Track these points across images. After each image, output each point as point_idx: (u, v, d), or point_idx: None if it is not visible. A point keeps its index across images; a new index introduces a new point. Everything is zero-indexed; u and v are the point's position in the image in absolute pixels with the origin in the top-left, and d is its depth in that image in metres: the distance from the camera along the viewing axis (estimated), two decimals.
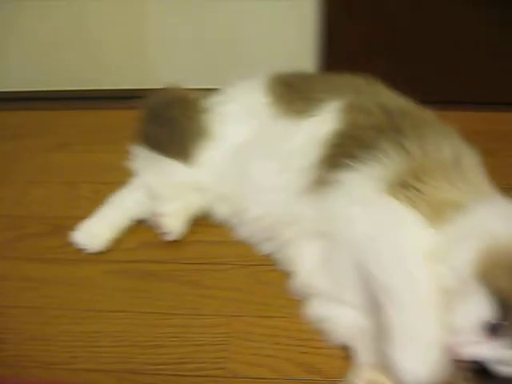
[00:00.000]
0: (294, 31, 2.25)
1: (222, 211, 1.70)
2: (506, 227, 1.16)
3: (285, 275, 1.52)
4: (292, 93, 1.64)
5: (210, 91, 1.80)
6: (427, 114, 1.52)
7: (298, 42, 2.27)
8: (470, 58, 2.21)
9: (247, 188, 1.59)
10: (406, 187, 1.31)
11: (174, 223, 1.67)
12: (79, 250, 1.67)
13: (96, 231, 1.68)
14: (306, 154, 1.49)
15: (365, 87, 1.60)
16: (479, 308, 1.10)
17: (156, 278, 1.61)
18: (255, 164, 1.59)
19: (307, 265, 1.46)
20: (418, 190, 1.29)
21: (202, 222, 1.74)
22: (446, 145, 1.40)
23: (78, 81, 2.39)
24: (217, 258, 1.63)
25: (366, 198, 1.34)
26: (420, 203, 1.27)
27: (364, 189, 1.35)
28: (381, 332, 1.19)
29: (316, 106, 1.56)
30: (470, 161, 1.40)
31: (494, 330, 1.08)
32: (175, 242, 1.69)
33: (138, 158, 1.77)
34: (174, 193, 1.69)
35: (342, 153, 1.43)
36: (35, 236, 1.76)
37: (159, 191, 1.70)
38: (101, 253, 1.67)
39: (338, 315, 1.38)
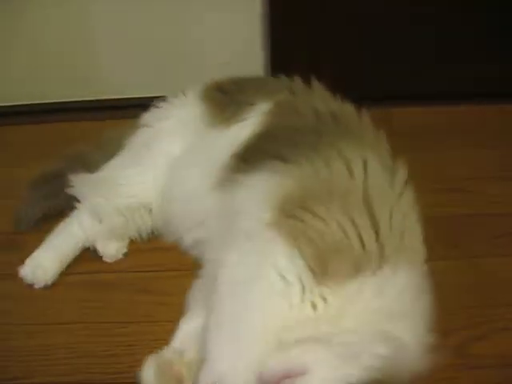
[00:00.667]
0: (242, 34, 2.29)
1: (162, 226, 1.72)
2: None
3: None
4: (225, 99, 1.67)
5: (153, 100, 1.84)
6: (361, 120, 1.50)
7: (246, 45, 2.31)
8: (413, 54, 2.27)
9: (176, 198, 1.62)
10: (292, 217, 1.20)
11: (107, 247, 1.70)
12: None
13: (44, 264, 1.62)
14: (223, 157, 1.50)
15: (298, 89, 1.62)
16: None
17: (107, 287, 1.62)
18: (183, 173, 1.62)
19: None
20: (304, 223, 1.17)
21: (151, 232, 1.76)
22: (360, 166, 1.29)
23: (22, 95, 2.38)
24: (166, 265, 1.65)
25: (250, 229, 1.24)
26: (306, 246, 1.14)
27: (251, 214, 1.27)
28: None
29: (245, 110, 1.58)
30: (385, 194, 1.28)
31: None
32: (127, 251, 1.72)
33: (79, 185, 1.73)
34: (118, 213, 1.70)
35: (252, 153, 1.43)
36: None
37: (104, 211, 1.69)
38: None
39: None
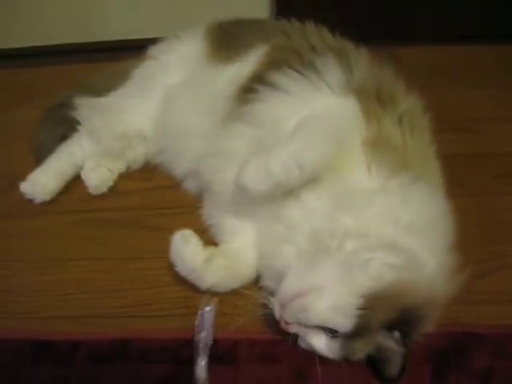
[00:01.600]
0: None
1: (157, 156, 1.76)
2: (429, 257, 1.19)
3: None
4: (225, 39, 1.67)
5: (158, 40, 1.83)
6: (361, 54, 1.50)
7: None
8: None
9: (173, 129, 1.65)
10: (379, 102, 1.33)
11: (94, 178, 1.73)
12: (39, 204, 1.70)
13: (43, 181, 1.70)
14: (224, 93, 1.52)
15: (298, 31, 1.61)
16: (337, 320, 1.13)
17: (114, 225, 1.64)
18: (180, 106, 1.64)
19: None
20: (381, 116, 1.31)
21: (155, 169, 1.78)
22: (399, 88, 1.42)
23: (21, 38, 2.36)
24: (173, 202, 1.66)
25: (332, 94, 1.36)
26: (373, 129, 1.29)
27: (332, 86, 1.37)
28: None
29: (245, 50, 1.59)
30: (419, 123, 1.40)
31: (329, 332, 1.16)
32: (131, 189, 1.74)
33: (83, 108, 1.77)
34: (115, 138, 1.74)
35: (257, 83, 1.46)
36: None
37: (103, 135, 1.74)
38: (59, 204, 1.70)
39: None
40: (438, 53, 2.26)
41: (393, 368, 1.18)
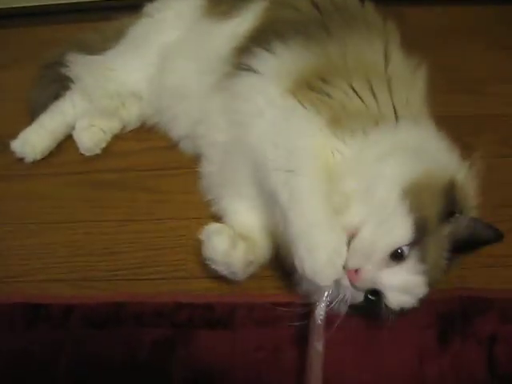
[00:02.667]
0: None
1: (153, 116, 1.72)
2: (437, 153, 1.18)
3: None
4: None
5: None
6: (366, 11, 1.46)
7: None
8: None
9: (169, 89, 1.60)
10: (313, 89, 1.25)
11: (86, 138, 1.69)
12: (31, 166, 1.67)
13: (34, 140, 1.67)
14: (221, 52, 1.48)
15: None
16: (395, 232, 1.08)
17: (110, 186, 1.60)
18: (177, 65, 1.60)
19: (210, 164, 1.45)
20: (326, 94, 1.24)
21: (151, 130, 1.74)
22: (375, 48, 1.34)
23: None
24: (170, 163, 1.62)
25: (270, 95, 1.28)
26: (325, 109, 1.21)
27: (270, 85, 1.30)
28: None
29: (243, 5, 1.55)
30: (403, 69, 1.34)
31: (401, 256, 1.08)
32: (126, 150, 1.70)
33: (75, 65, 1.74)
34: (108, 96, 1.71)
35: (254, 44, 1.40)
36: None
37: (95, 93, 1.70)
38: (52, 166, 1.67)
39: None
40: (446, 13, 2.19)
41: (485, 232, 1.13)
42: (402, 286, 1.09)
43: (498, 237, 1.12)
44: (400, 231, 1.07)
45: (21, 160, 1.67)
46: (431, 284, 1.11)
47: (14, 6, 2.30)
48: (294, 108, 1.23)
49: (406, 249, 1.07)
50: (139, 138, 1.74)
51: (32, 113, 1.76)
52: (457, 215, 1.12)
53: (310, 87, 1.26)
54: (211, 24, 1.58)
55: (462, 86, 1.80)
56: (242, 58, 1.40)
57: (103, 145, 1.71)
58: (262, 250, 1.30)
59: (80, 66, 1.72)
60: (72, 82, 1.74)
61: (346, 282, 1.09)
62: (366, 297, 1.11)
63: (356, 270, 1.08)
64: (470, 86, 1.82)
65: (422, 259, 1.08)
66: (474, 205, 1.16)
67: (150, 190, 1.57)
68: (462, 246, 1.12)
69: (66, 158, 1.69)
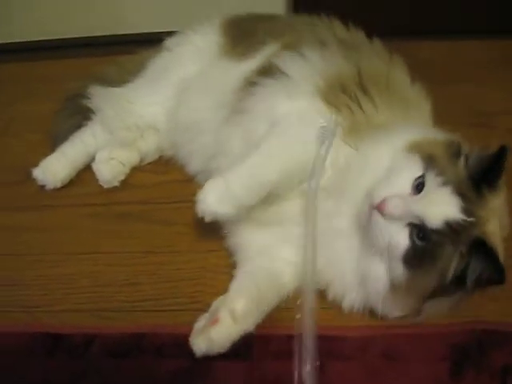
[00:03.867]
0: None
1: (170, 149, 1.76)
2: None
3: None
4: (240, 35, 1.68)
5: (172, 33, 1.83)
6: (374, 46, 1.53)
7: None
8: None
9: (185, 123, 1.65)
10: (347, 93, 1.33)
11: (105, 171, 1.72)
12: (52, 196, 1.70)
13: (55, 168, 1.71)
14: (236, 85, 1.52)
15: (309, 26, 1.62)
16: (410, 168, 1.16)
17: (131, 218, 1.63)
18: (193, 100, 1.64)
19: None
20: (358, 103, 1.31)
21: (171, 162, 1.77)
22: (386, 69, 1.44)
23: (38, 31, 2.36)
24: (187, 196, 1.61)
25: (296, 93, 1.36)
26: (348, 117, 1.30)
27: (298, 87, 1.37)
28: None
29: (257, 47, 1.59)
30: (414, 89, 1.43)
31: (420, 188, 1.14)
32: (144, 183, 1.73)
33: (96, 97, 1.78)
34: (127, 128, 1.75)
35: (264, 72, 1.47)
36: (8, 185, 1.77)
37: (115, 125, 1.74)
38: (74, 197, 1.70)
39: None
40: (458, 47, 2.23)
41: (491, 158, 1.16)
42: (432, 199, 1.13)
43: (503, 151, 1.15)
44: (411, 167, 1.16)
45: (42, 189, 1.70)
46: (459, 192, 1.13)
47: (36, 39, 2.36)
48: (318, 109, 1.32)
49: (421, 179, 1.14)
50: (157, 171, 1.77)
51: (54, 143, 1.80)
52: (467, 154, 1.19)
53: (344, 89, 1.33)
54: (228, 63, 1.62)
55: (470, 120, 1.81)
56: (258, 76, 1.47)
57: (122, 177, 1.74)
58: (289, 284, 1.34)
59: (101, 98, 1.77)
60: (93, 113, 1.78)
61: (379, 219, 1.14)
62: (412, 242, 1.13)
63: (383, 201, 1.13)
64: (477, 120, 1.84)
65: (440, 173, 1.14)
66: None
67: (168, 222, 1.60)
68: (483, 176, 1.15)
69: (85, 190, 1.72)
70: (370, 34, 1.56)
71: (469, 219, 1.10)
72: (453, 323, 1.28)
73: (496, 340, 1.28)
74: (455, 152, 1.19)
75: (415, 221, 1.12)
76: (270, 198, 1.29)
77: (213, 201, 1.23)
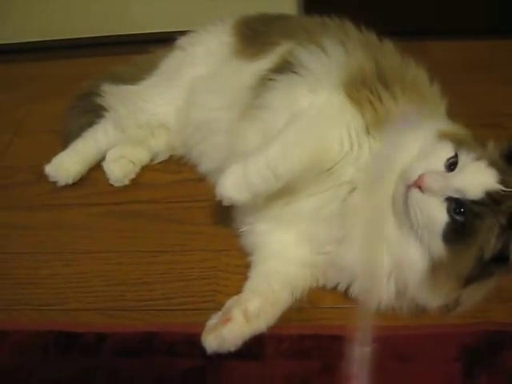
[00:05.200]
0: None
1: (180, 148, 1.77)
2: None
3: None
4: (252, 36, 1.68)
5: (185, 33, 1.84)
6: (385, 48, 1.52)
7: None
8: None
9: (196, 123, 1.65)
10: (368, 87, 1.33)
11: (116, 169, 1.73)
12: (64, 195, 1.71)
13: (67, 164, 1.72)
14: (249, 83, 1.52)
15: (321, 27, 1.61)
16: (442, 149, 1.18)
17: (142, 217, 1.63)
18: (204, 99, 1.64)
19: None
20: (378, 97, 1.32)
21: (182, 162, 1.78)
22: (405, 66, 1.45)
23: (50, 31, 2.37)
24: (199, 195, 1.64)
25: (319, 87, 1.36)
26: (370, 112, 1.30)
27: (320, 81, 1.38)
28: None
29: (268, 49, 1.59)
30: (431, 86, 1.43)
31: (453, 168, 1.15)
32: (155, 182, 1.74)
33: (109, 95, 1.79)
34: (138, 126, 1.76)
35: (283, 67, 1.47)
36: (21, 185, 1.78)
37: (127, 123, 1.75)
38: (86, 196, 1.71)
39: None
40: (468, 47, 2.23)
41: None
42: (469, 172, 1.14)
43: None
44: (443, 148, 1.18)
45: (54, 188, 1.72)
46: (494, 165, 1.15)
47: (47, 39, 2.38)
48: (342, 103, 1.32)
49: (453, 159, 1.16)
50: (168, 170, 1.78)
51: (66, 140, 1.81)
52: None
53: (365, 84, 1.34)
54: (240, 64, 1.62)
55: (483, 120, 1.80)
56: (274, 73, 1.47)
57: (132, 176, 1.75)
58: (302, 285, 1.36)
59: (113, 95, 1.78)
60: (106, 110, 1.79)
61: (417, 195, 1.15)
62: (451, 217, 1.14)
63: (420, 177, 1.15)
64: (491, 121, 1.84)
65: (472, 151, 1.16)
66: None
67: (180, 221, 1.60)
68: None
69: (96, 189, 1.73)
70: (380, 35, 1.55)
71: (507, 189, 1.12)
72: (464, 324, 1.28)
73: (508, 341, 1.28)
74: (481, 142, 1.22)
75: (454, 194, 1.13)
76: (287, 190, 1.30)
77: (230, 186, 1.25)
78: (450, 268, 1.16)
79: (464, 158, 1.15)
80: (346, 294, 1.34)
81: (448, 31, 2.23)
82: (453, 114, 1.40)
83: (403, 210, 1.18)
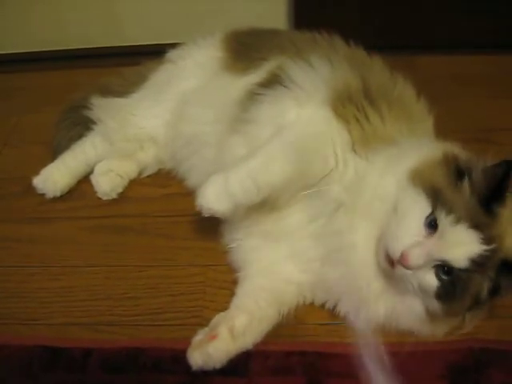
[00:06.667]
0: None
1: (169, 162, 1.78)
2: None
3: None
4: (241, 50, 1.68)
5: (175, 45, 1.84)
6: (374, 63, 1.53)
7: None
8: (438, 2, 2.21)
9: (185, 136, 1.65)
10: (353, 103, 1.33)
11: (104, 183, 1.73)
12: (52, 209, 1.71)
13: (55, 177, 1.72)
14: (238, 98, 1.52)
15: (309, 42, 1.62)
16: (419, 208, 1.16)
17: (130, 231, 1.63)
18: (193, 113, 1.64)
19: None
20: (365, 115, 1.32)
21: (171, 176, 1.77)
22: (392, 83, 1.45)
23: (40, 42, 2.37)
24: (187, 210, 1.61)
25: (306, 101, 1.36)
26: (356, 129, 1.30)
27: (307, 95, 1.37)
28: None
29: (257, 64, 1.59)
30: (418, 103, 1.44)
31: (433, 225, 1.14)
32: (144, 196, 1.74)
33: (98, 108, 1.79)
34: (126, 140, 1.76)
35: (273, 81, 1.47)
36: (9, 196, 1.78)
37: (115, 136, 1.75)
38: (74, 210, 1.70)
39: None
40: (457, 62, 2.23)
41: (497, 170, 1.17)
42: (454, 239, 1.13)
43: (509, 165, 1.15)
44: (419, 206, 1.16)
45: (42, 201, 1.71)
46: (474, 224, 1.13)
47: (37, 50, 2.38)
48: (328, 119, 1.32)
49: (431, 217, 1.14)
50: (156, 184, 1.78)
51: (55, 153, 1.81)
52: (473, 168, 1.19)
53: (351, 100, 1.34)
54: (229, 78, 1.62)
55: (470, 135, 1.81)
56: (262, 88, 1.47)
57: (120, 190, 1.75)
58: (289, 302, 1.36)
59: (102, 108, 1.78)
60: (94, 123, 1.79)
61: (403, 270, 1.15)
62: (441, 280, 1.15)
63: (403, 255, 1.14)
64: (478, 135, 1.84)
65: (450, 210, 1.13)
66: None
67: (168, 236, 1.60)
68: (491, 195, 1.15)
69: (84, 203, 1.72)
70: (369, 50, 1.57)
71: (490, 247, 1.11)
72: (450, 341, 1.28)
73: (494, 358, 1.28)
74: (456, 171, 1.19)
75: (439, 262, 1.14)
76: (270, 205, 1.31)
77: (211, 196, 1.24)
78: (448, 314, 1.20)
79: (443, 221, 1.13)
80: (333, 312, 1.34)
81: (438, 46, 2.24)
82: (442, 128, 1.41)
83: (393, 278, 1.21)
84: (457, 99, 1.97)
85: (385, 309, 1.26)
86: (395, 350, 1.27)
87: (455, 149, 1.25)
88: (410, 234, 1.15)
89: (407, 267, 1.14)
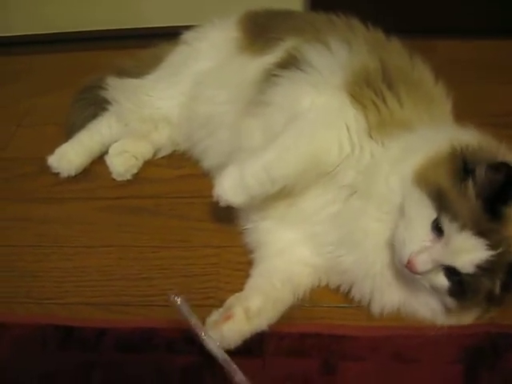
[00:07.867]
0: None
1: (183, 143, 1.77)
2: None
3: None
4: (257, 31, 1.67)
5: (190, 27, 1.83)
6: (392, 45, 1.51)
7: None
8: None
9: (200, 118, 1.64)
10: (372, 87, 1.32)
11: (118, 164, 1.73)
12: (66, 189, 1.71)
13: (70, 156, 1.73)
14: (254, 78, 1.52)
15: (327, 24, 1.60)
16: (424, 213, 1.14)
17: (144, 212, 1.63)
18: (208, 94, 1.64)
19: None
20: (382, 98, 1.30)
21: (185, 157, 1.77)
22: (411, 66, 1.44)
23: (54, 24, 2.37)
24: (202, 191, 1.62)
25: (322, 87, 1.35)
26: (373, 113, 1.29)
27: (324, 80, 1.36)
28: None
29: (273, 44, 1.58)
30: (436, 87, 1.42)
31: (440, 228, 1.12)
32: (158, 177, 1.73)
33: (113, 88, 1.79)
34: (142, 120, 1.76)
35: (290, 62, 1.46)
36: (24, 177, 1.78)
37: (130, 117, 1.76)
38: (88, 191, 1.70)
39: None
40: (478, 46, 2.20)
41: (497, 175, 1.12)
42: (459, 246, 1.11)
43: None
44: (424, 211, 1.14)
45: (56, 181, 1.72)
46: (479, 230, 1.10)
47: (50, 32, 2.38)
48: (344, 104, 1.31)
49: (438, 221, 1.12)
50: (171, 165, 1.78)
51: (69, 133, 1.81)
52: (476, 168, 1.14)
53: (369, 84, 1.32)
54: (245, 59, 1.61)
55: (492, 120, 1.77)
56: (279, 68, 1.46)
57: (135, 170, 1.75)
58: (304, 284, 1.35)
59: (118, 89, 1.78)
60: (109, 104, 1.79)
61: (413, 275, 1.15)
62: (451, 280, 1.14)
63: (410, 262, 1.13)
64: (501, 120, 1.81)
65: (455, 217, 1.10)
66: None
67: (182, 217, 1.59)
68: (496, 198, 1.11)
69: (98, 183, 1.73)
70: (388, 33, 1.55)
71: (497, 252, 1.09)
72: (466, 326, 1.26)
73: (510, 343, 1.26)
74: (461, 171, 1.15)
75: (447, 265, 1.13)
76: (286, 192, 1.30)
77: (227, 188, 1.27)
78: (464, 308, 1.20)
79: (448, 227, 1.11)
80: (347, 295, 1.33)
81: (458, 30, 2.21)
82: (462, 113, 1.40)
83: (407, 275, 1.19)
84: (477, 83, 1.95)
85: (398, 297, 1.26)
86: (411, 334, 1.26)
87: (467, 136, 1.22)
88: (416, 239, 1.14)
89: (414, 273, 1.14)
